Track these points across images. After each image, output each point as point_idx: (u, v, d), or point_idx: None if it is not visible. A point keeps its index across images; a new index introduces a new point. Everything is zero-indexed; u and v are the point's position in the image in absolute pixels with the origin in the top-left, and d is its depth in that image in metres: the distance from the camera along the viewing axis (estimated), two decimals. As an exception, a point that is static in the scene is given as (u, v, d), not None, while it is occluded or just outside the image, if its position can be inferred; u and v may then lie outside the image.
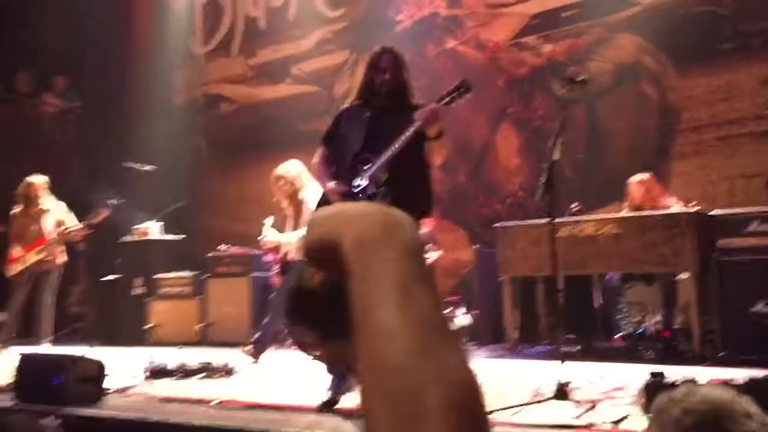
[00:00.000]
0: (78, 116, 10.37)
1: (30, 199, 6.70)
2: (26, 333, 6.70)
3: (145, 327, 7.31)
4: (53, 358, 3.57)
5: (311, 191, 5.32)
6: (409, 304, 0.54)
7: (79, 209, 6.95)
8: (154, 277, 7.51)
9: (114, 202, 5.92)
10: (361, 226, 0.60)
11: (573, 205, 5.55)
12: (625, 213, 5.37)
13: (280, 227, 5.63)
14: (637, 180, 5.44)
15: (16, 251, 6.74)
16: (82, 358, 3.32)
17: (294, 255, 5.37)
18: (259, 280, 7.16)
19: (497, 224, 5.72)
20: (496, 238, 5.64)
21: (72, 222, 6.75)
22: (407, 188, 3.38)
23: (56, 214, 6.76)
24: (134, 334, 7.28)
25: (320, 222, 0.65)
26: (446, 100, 3.36)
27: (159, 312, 7.37)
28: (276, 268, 5.61)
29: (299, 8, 8.95)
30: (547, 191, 3.17)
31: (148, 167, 5.49)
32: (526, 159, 7.17)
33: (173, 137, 9.19)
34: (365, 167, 3.47)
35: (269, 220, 5.63)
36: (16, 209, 6.79)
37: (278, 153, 8.78)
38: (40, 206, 6.67)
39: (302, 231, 5.27)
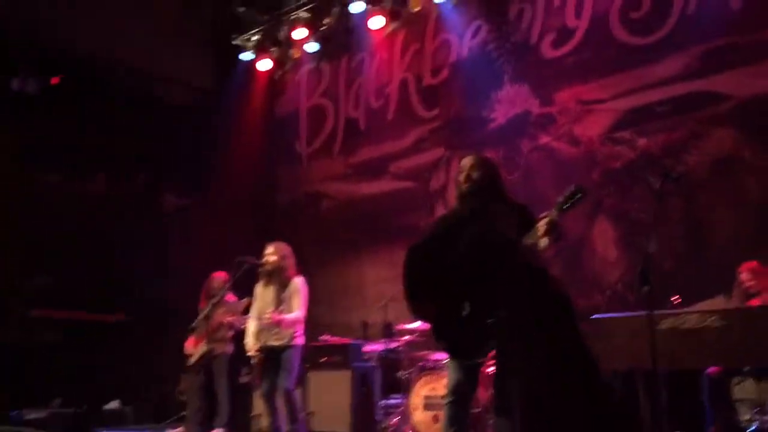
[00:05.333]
0: (191, 214, 11.08)
1: (207, 293, 7.29)
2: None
3: (251, 415, 7.54)
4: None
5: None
6: None
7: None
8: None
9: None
10: None
11: (673, 298, 5.49)
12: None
13: None
14: (748, 267, 5.40)
15: (189, 343, 7.35)
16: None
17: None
18: (359, 369, 7.32)
19: (595, 316, 5.70)
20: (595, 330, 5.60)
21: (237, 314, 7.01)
22: None
23: (227, 307, 7.10)
24: (239, 422, 7.50)
25: None
26: (566, 207, 3.43)
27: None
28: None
29: (397, 109, 9.46)
30: (644, 283, 3.23)
31: (260, 261, 5.88)
32: (625, 252, 7.14)
33: (277, 234, 9.67)
34: None
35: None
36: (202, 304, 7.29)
37: (376, 246, 9.15)
38: (212, 300, 7.03)
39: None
